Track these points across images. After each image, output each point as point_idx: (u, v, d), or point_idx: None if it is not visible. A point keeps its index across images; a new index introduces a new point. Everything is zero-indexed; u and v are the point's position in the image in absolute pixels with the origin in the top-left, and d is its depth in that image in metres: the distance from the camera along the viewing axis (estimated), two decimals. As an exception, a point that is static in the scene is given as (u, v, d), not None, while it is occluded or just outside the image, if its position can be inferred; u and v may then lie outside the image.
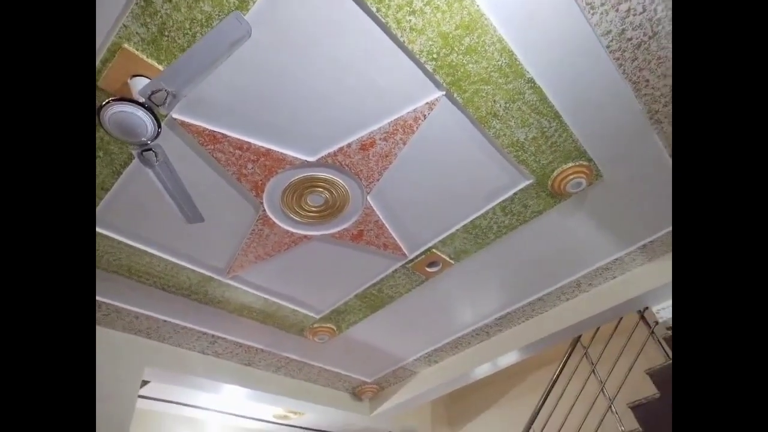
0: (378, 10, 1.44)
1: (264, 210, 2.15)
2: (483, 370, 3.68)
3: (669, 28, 1.57)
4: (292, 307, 2.87)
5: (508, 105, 1.79)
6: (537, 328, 3.26)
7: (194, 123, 1.72)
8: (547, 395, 3.82)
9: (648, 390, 3.39)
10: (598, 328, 3.73)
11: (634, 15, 1.53)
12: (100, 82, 1.50)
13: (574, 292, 3.03)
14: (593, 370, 3.79)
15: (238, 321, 2.91)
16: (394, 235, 2.41)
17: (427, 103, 1.77)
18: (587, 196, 2.29)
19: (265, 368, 3.52)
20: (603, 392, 3.63)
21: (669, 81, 1.76)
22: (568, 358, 3.89)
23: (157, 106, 1.34)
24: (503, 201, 2.24)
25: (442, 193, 2.19)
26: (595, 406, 3.67)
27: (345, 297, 2.88)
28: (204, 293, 2.61)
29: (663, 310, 2.98)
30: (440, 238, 2.44)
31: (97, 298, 2.53)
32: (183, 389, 3.48)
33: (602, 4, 1.49)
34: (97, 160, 1.78)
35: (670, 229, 2.54)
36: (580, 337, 3.87)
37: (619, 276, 2.92)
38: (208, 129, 1.75)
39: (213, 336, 3.01)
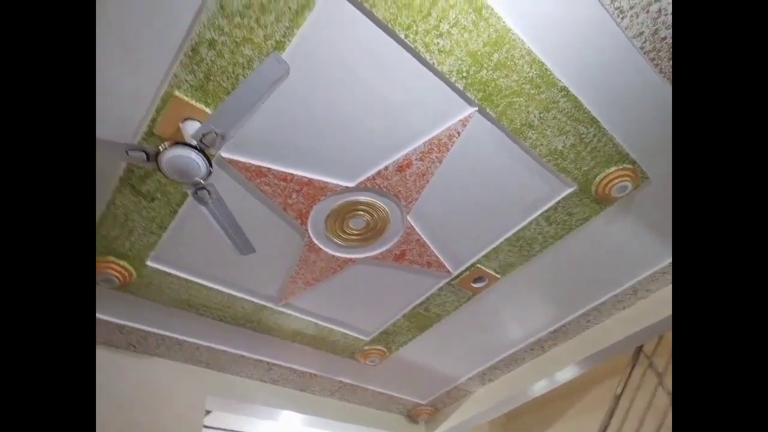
0: (406, 36, 1.50)
1: (309, 237, 2.23)
2: (540, 387, 3.54)
3: (705, 21, 1.53)
4: (342, 330, 2.92)
5: (542, 115, 1.78)
6: (594, 340, 3.12)
7: (241, 160, 1.83)
8: (613, 411, 3.62)
9: (725, 401, 3.14)
10: (661, 336, 3.52)
11: (666, 15, 1.50)
12: (156, 129, 1.64)
13: (631, 300, 2.90)
14: (660, 382, 3.56)
15: (292, 347, 2.98)
16: (436, 252, 2.41)
17: (460, 120, 1.80)
18: (634, 199, 2.21)
19: (320, 393, 3.56)
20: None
21: (711, 74, 1.70)
22: (631, 370, 3.68)
23: (208, 147, 1.44)
24: (546, 210, 2.20)
25: (483, 207, 2.19)
26: (667, 420, 3.43)
27: (392, 318, 2.89)
28: (258, 321, 2.70)
29: (732, 314, 2.78)
30: (484, 252, 2.42)
31: (160, 331, 2.67)
32: (243, 417, 3.57)
33: (631, 8, 1.48)
34: (156, 202, 1.92)
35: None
36: (641, 347, 3.66)
37: (679, 280, 2.76)
38: (253, 164, 1.86)
39: (269, 363, 3.09)
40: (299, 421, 3.57)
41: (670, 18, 1.51)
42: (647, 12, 1.49)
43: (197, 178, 1.50)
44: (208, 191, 1.57)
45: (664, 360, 3.62)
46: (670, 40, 1.58)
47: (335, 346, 3.05)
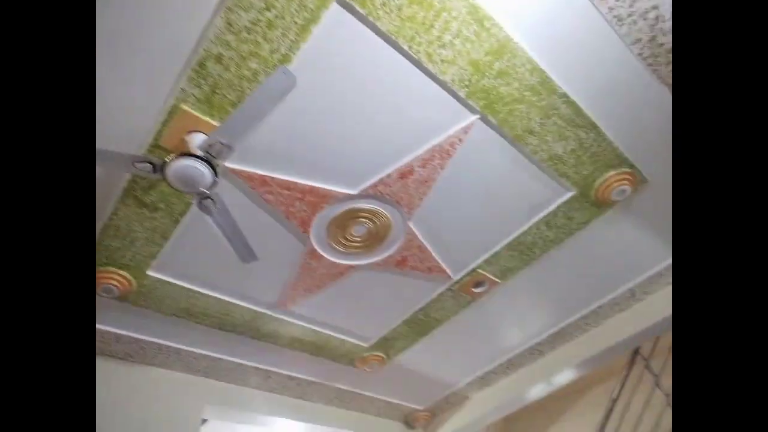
0: (410, 47, 1.52)
1: (311, 244, 2.23)
2: (538, 391, 3.56)
3: (702, 31, 1.57)
4: (341, 337, 2.91)
5: (543, 121, 1.81)
6: (592, 343, 3.15)
7: (245, 169, 1.83)
8: (610, 412, 3.65)
9: (720, 401, 3.19)
10: (658, 338, 3.57)
11: (663, 21, 1.54)
12: (161, 141, 1.64)
13: (629, 302, 2.93)
14: (657, 383, 3.61)
15: (291, 354, 2.97)
16: (437, 258, 2.42)
17: (462, 127, 1.82)
18: (633, 202, 2.25)
19: (318, 400, 3.54)
20: (670, 405, 3.44)
21: (707, 81, 1.74)
22: (628, 371, 3.73)
23: (214, 157, 1.44)
24: (546, 215, 2.23)
25: (484, 212, 2.21)
26: (663, 420, 3.47)
27: (392, 324, 2.89)
28: (257, 329, 2.69)
29: (726, 314, 2.82)
30: (485, 257, 2.44)
31: (157, 340, 2.65)
32: (240, 426, 3.54)
33: (629, 15, 1.51)
34: (159, 213, 1.90)
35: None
36: (638, 348, 3.71)
37: (674, 282, 2.81)
38: (257, 174, 1.86)
39: (267, 371, 3.07)
40: (297, 429, 3.55)
41: (667, 24, 1.55)
42: (645, 19, 1.53)
43: (202, 188, 1.50)
44: (212, 201, 1.57)
45: (660, 361, 3.67)
46: (667, 46, 1.61)
47: (334, 353, 3.04)
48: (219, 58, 1.46)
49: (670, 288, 2.83)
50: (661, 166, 2.08)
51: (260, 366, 3.03)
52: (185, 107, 1.56)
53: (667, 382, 3.57)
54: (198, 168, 1.43)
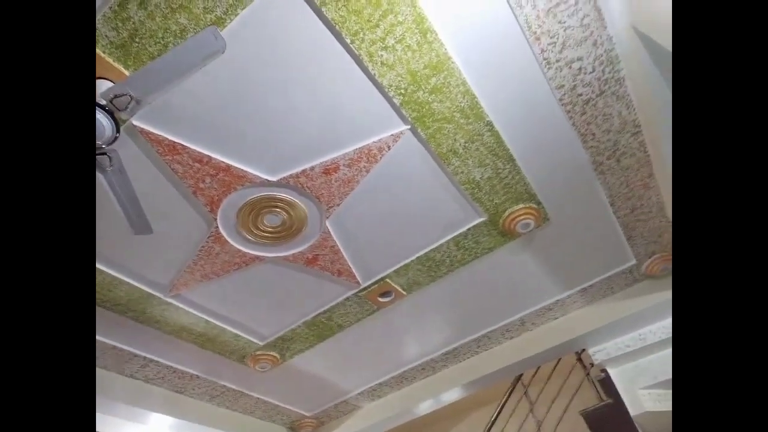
0: (352, 41, 1.50)
1: (217, 227, 2.09)
2: (426, 407, 3.65)
3: (615, 88, 1.75)
4: (235, 331, 2.76)
5: (467, 144, 1.88)
6: (481, 365, 3.30)
7: (155, 132, 1.68)
8: (487, 434, 3.85)
9: (582, 431, 3.49)
10: (538, 368, 3.84)
11: (585, 74, 1.69)
12: (58, 79, 1.44)
13: (518, 331, 3.13)
14: (531, 411, 3.87)
15: (175, 344, 2.74)
16: (349, 262, 2.40)
17: (392, 135, 1.83)
18: (534, 238, 2.42)
19: (199, 397, 3.31)
20: (540, 432, 3.71)
21: (612, 136, 1.93)
22: (508, 397, 3.96)
23: (119, 110, 1.30)
24: (457, 236, 2.31)
25: (400, 223, 2.23)
26: (532, 447, 3.73)
27: (293, 324, 2.80)
28: (141, 311, 2.45)
29: (598, 353, 3.11)
30: (394, 268, 2.46)
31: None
32: (103, 416, 3.18)
33: (557, 61, 1.64)
34: (42, 160, 1.67)
35: (609, 275, 2.73)
36: (521, 375, 3.96)
37: (560, 317, 3.05)
38: (168, 139, 1.71)
39: (145, 358, 2.80)
40: (168, 426, 3.27)
41: (587, 77, 1.70)
42: (570, 68, 1.66)
43: (99, 142, 1.34)
44: (109, 158, 1.41)
45: (537, 390, 3.96)
46: (585, 97, 1.77)
47: (225, 348, 2.87)
48: (144, 3, 1.33)
49: (555, 322, 3.07)
50: (564, 208, 2.26)
51: (139, 352, 2.75)
52: (96, 49, 1.39)
53: (541, 410, 3.85)
54: (96, 117, 1.28)
